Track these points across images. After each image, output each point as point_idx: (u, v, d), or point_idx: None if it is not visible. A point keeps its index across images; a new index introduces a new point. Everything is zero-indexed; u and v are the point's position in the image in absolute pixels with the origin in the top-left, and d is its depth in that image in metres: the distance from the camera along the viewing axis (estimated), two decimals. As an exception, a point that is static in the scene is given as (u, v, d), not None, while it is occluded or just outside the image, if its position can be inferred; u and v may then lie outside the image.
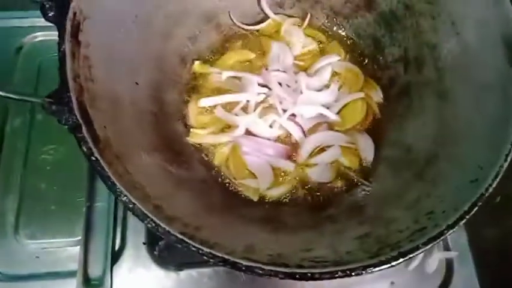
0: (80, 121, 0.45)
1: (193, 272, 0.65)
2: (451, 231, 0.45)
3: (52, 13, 0.48)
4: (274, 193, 0.63)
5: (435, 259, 0.66)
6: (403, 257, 0.44)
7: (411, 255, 0.45)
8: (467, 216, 0.46)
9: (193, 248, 0.43)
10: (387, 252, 0.45)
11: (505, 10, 0.51)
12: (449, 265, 0.68)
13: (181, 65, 0.70)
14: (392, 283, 0.66)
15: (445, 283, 0.67)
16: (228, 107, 0.66)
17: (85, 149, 0.45)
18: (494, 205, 0.87)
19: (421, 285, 0.66)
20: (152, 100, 0.63)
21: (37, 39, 0.81)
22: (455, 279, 0.67)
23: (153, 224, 0.44)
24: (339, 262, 0.45)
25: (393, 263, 0.44)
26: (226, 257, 0.43)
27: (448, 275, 0.67)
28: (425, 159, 0.56)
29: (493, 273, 0.72)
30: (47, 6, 0.48)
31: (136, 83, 0.60)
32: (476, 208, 0.46)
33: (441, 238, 0.45)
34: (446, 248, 0.68)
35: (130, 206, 0.44)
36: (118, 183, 0.44)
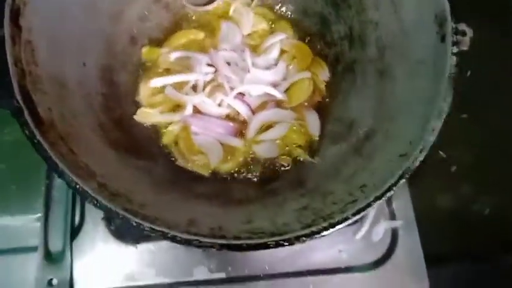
0: (22, 105, 0.47)
1: (151, 246, 0.68)
2: (378, 201, 0.48)
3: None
4: (224, 168, 0.65)
5: (381, 228, 0.69)
6: (333, 227, 0.47)
7: (340, 226, 0.48)
8: (394, 188, 0.48)
9: (134, 224, 0.46)
10: (320, 223, 0.48)
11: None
12: (394, 234, 0.71)
13: (131, 46, 0.71)
14: (340, 251, 0.69)
15: (390, 251, 0.70)
16: (178, 87, 0.67)
17: (27, 133, 0.47)
18: (450, 174, 0.92)
19: (367, 252, 0.70)
20: (101, 81, 0.64)
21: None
22: (400, 247, 0.70)
23: (95, 202, 0.47)
24: (275, 233, 0.48)
25: (324, 233, 0.47)
26: (166, 230, 0.46)
27: (393, 243, 0.71)
28: (364, 134, 0.59)
29: (438, 242, 0.76)
30: (-18, -9, 0.48)
31: (84, 64, 0.61)
32: (403, 180, 0.49)
33: (369, 208, 0.48)
34: (392, 218, 0.72)
35: (73, 185, 0.47)
36: (59, 164, 0.46)
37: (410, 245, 0.71)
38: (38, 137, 0.46)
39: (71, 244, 0.66)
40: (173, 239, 0.46)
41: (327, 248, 0.70)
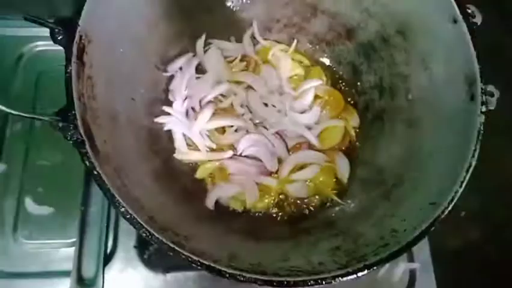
0: (84, 137, 0.50)
1: (180, 275, 0.70)
2: (410, 247, 0.52)
3: (61, 37, 0.52)
4: (259, 206, 0.68)
5: (400, 269, 0.72)
6: (368, 269, 0.50)
7: (375, 268, 0.51)
8: (425, 236, 0.52)
9: (183, 256, 0.49)
10: (354, 264, 0.51)
11: (468, 50, 0.57)
12: (412, 275, 0.74)
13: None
14: (361, 290, 0.72)
15: (408, 291, 0.74)
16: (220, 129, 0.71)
17: (87, 163, 0.50)
18: (459, 219, 0.95)
19: (386, 292, 0.73)
20: (147, 116, 0.68)
21: (37, 49, 0.83)
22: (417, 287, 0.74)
23: (147, 234, 0.49)
24: (311, 272, 0.51)
25: (359, 274, 0.50)
26: (213, 265, 0.49)
27: (411, 283, 0.73)
28: (393, 181, 0.63)
29: (452, 282, 0.79)
30: (56, 30, 0.52)
31: (133, 99, 0.65)
32: (433, 228, 0.52)
33: (402, 254, 0.52)
34: (411, 259, 0.74)
35: (127, 216, 0.49)
36: (116, 196, 0.49)
37: (427, 286, 0.75)
38: (98, 168, 0.49)
39: (103, 270, 0.68)
40: (218, 273, 0.49)
41: (348, 287, 0.72)
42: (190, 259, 0.48)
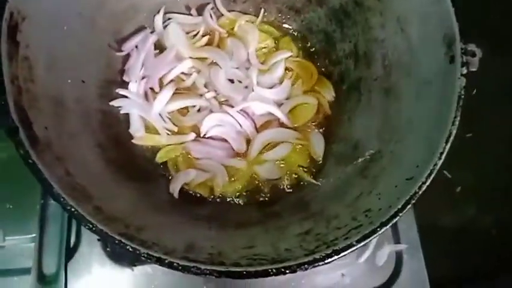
0: (17, 124, 0.46)
1: (148, 268, 0.66)
2: (384, 228, 0.46)
3: (-14, 14, 0.48)
4: (228, 190, 0.64)
5: (385, 252, 0.68)
6: (337, 255, 0.46)
7: (344, 253, 0.46)
8: (401, 214, 0.47)
9: (130, 249, 0.44)
10: (323, 249, 0.46)
11: (446, 7, 0.52)
12: (398, 257, 0.70)
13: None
14: (343, 275, 0.68)
15: (394, 275, 0.69)
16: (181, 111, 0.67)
17: (21, 152, 0.45)
18: (455, 195, 0.90)
19: (371, 277, 0.68)
20: (101, 98, 0.63)
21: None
22: (405, 271, 0.69)
23: (90, 226, 0.45)
24: (276, 259, 0.46)
25: (327, 261, 0.45)
26: (163, 257, 0.44)
27: (398, 267, 0.69)
28: (369, 156, 0.57)
29: (444, 264, 0.74)
30: (-19, 7, 0.47)
31: (83, 81, 0.60)
32: (409, 206, 0.47)
33: (375, 236, 0.47)
34: (397, 241, 0.70)
35: (67, 208, 0.45)
36: (55, 186, 0.45)
37: (415, 269, 0.70)
38: (33, 157, 0.45)
39: (65, 266, 0.65)
40: (170, 266, 0.44)
41: (330, 271, 0.68)
42: (138, 252, 0.44)
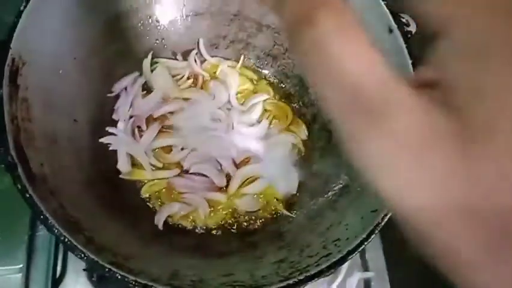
0: (16, 160, 0.49)
1: (132, 297, 0.69)
2: (351, 256, 0.51)
3: (-10, 59, 0.52)
4: (209, 222, 0.68)
5: (355, 279, 0.72)
6: (309, 280, 0.50)
7: (316, 279, 0.51)
8: (366, 243, 0.51)
9: (119, 277, 0.48)
10: (296, 276, 0.51)
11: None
12: (367, 284, 0.74)
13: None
14: (316, 301, 0.72)
15: (363, 301, 0.73)
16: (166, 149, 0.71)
17: (19, 187, 0.49)
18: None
19: (342, 303, 0.72)
20: (91, 136, 0.67)
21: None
22: (373, 297, 0.73)
23: (82, 255, 0.48)
24: (253, 285, 0.50)
25: (301, 286, 0.50)
26: (150, 283, 0.48)
27: (367, 294, 0.74)
28: (339, 190, 0.63)
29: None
30: (-15, 52, 0.51)
31: (75, 120, 0.64)
32: (373, 235, 0.52)
33: (343, 262, 0.52)
34: (366, 269, 0.74)
35: (61, 238, 0.48)
36: (50, 218, 0.48)
37: (383, 295, 0.74)
38: (30, 191, 0.48)
39: (52, 296, 0.67)
40: (155, 292, 0.48)
41: (305, 300, 0.72)
42: (126, 279, 0.48)
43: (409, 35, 0.60)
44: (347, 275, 0.72)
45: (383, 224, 0.53)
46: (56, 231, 0.48)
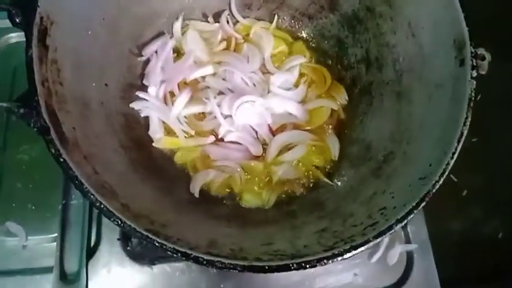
0: (49, 124, 0.47)
1: (166, 267, 0.68)
2: (399, 225, 0.48)
3: (19, 18, 0.50)
4: (245, 190, 0.65)
5: (396, 251, 0.69)
6: (355, 250, 0.47)
7: (362, 248, 0.48)
8: (415, 211, 0.48)
9: (157, 244, 0.46)
10: (341, 245, 0.48)
11: (456, 13, 0.54)
12: (409, 257, 0.71)
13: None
14: (355, 274, 0.69)
15: (405, 274, 0.70)
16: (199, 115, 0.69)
17: (53, 151, 0.47)
18: (461, 198, 0.92)
19: (383, 276, 0.70)
20: (122, 101, 0.65)
21: (12, 41, 0.80)
22: (415, 270, 0.70)
23: (119, 222, 0.46)
24: (295, 255, 0.48)
25: (346, 256, 0.47)
26: (188, 251, 0.46)
27: (408, 266, 0.71)
28: (382, 156, 0.59)
29: (453, 265, 0.76)
30: (14, 12, 0.49)
31: (106, 85, 0.62)
32: (423, 203, 0.49)
33: (391, 232, 0.48)
34: (407, 241, 0.71)
35: (97, 204, 0.47)
36: (85, 183, 0.46)
37: (425, 269, 0.71)
38: (64, 156, 0.46)
39: (86, 265, 0.66)
40: (195, 260, 0.46)
41: (343, 271, 0.70)
42: (164, 246, 0.46)
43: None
44: (388, 248, 0.70)
45: (433, 191, 0.50)
46: (92, 196, 0.47)
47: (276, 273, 0.46)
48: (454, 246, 0.83)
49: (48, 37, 0.51)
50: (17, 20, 0.50)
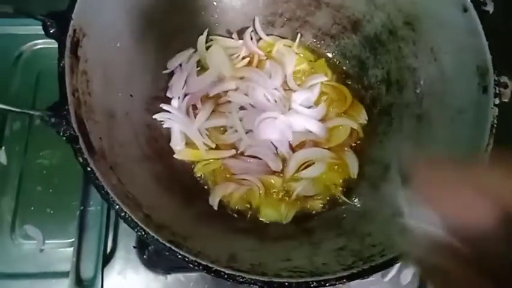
0: (77, 133, 0.48)
1: (181, 276, 0.68)
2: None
3: (53, 30, 0.51)
4: (264, 204, 0.66)
5: (410, 271, 0.69)
6: (374, 271, 0.48)
7: (382, 270, 0.48)
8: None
9: (179, 256, 0.47)
10: (360, 265, 0.48)
11: (480, 40, 0.55)
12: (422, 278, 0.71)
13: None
14: (368, 293, 0.69)
15: (418, 294, 0.70)
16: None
17: (81, 160, 0.48)
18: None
19: (396, 296, 0.70)
20: (146, 113, 0.66)
21: (37, 47, 0.82)
22: (428, 291, 0.70)
23: (142, 232, 0.47)
24: (315, 273, 0.48)
25: (365, 276, 0.48)
26: (210, 265, 0.47)
27: (421, 286, 0.70)
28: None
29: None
30: (49, 23, 0.50)
31: (131, 95, 0.63)
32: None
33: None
34: (422, 262, 0.71)
35: (122, 214, 0.48)
36: (111, 193, 0.47)
37: (438, 290, 0.71)
38: (92, 165, 0.47)
39: (102, 271, 0.67)
40: (217, 274, 0.46)
41: (356, 289, 0.70)
42: (187, 259, 0.46)
43: (486, 15, 0.56)
44: (402, 266, 0.69)
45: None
46: (117, 206, 0.47)
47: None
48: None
49: (79, 48, 0.52)
50: (51, 31, 0.51)
